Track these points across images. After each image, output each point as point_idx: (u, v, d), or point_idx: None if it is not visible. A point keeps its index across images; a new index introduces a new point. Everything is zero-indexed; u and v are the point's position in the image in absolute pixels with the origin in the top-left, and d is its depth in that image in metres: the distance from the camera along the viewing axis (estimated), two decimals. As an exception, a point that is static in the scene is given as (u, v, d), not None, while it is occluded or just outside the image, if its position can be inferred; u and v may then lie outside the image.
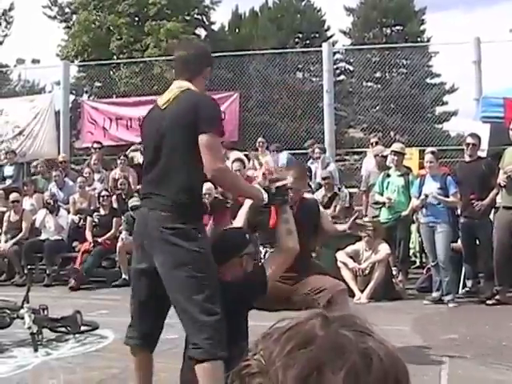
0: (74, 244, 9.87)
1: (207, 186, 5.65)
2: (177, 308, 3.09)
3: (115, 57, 23.19)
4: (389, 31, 27.77)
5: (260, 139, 11.25)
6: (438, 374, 4.40)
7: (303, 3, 28.71)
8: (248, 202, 3.73)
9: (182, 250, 3.01)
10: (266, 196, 3.21)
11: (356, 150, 17.46)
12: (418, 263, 9.59)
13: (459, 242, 7.68)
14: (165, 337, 3.36)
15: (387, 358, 0.74)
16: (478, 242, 7.62)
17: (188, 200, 3.07)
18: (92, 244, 9.47)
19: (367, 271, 7.52)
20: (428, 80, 23.67)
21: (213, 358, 2.94)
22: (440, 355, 4.85)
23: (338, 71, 24.01)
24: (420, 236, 8.23)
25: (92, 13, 24.76)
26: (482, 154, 8.48)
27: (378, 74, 23.17)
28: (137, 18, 25.29)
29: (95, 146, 11.41)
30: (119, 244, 9.13)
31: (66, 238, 9.82)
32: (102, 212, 9.69)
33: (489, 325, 6.07)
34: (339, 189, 9.33)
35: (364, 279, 7.52)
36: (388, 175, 8.27)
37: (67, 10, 26.97)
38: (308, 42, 26.73)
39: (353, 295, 7.11)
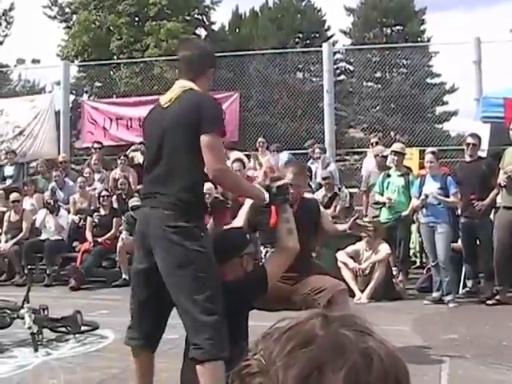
0: (75, 244, 9.87)
1: (207, 186, 5.64)
2: (178, 308, 3.08)
3: (115, 57, 23.20)
4: (389, 31, 27.77)
5: (260, 139, 11.26)
6: (438, 374, 4.40)
7: (303, 3, 28.71)
8: (248, 202, 3.73)
9: (184, 249, 3.00)
10: (267, 196, 3.21)
11: (356, 150, 17.46)
12: (418, 263, 9.59)
13: (459, 242, 7.68)
14: (166, 337, 3.35)
15: (388, 358, 0.74)
16: (478, 242, 7.62)
17: (190, 199, 3.06)
18: (92, 244, 9.47)
19: (367, 271, 7.53)
20: (428, 80, 23.67)
21: (213, 359, 2.94)
22: (440, 355, 4.85)
23: (338, 71, 24.00)
24: (420, 236, 8.23)
25: (92, 13, 24.77)
26: (483, 154, 8.48)
27: (378, 74, 23.17)
28: (137, 18, 25.30)
29: (95, 146, 11.41)
30: (119, 244, 9.13)
31: (66, 238, 9.82)
32: (102, 212, 9.69)
33: (489, 325, 6.06)
34: (339, 189, 9.34)
35: (364, 279, 7.52)
36: (388, 175, 8.27)
37: (67, 9, 26.97)
38: (308, 41, 26.73)
39: (353, 295, 7.11)
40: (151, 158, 3.24)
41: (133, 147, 11.26)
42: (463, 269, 7.71)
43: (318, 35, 27.29)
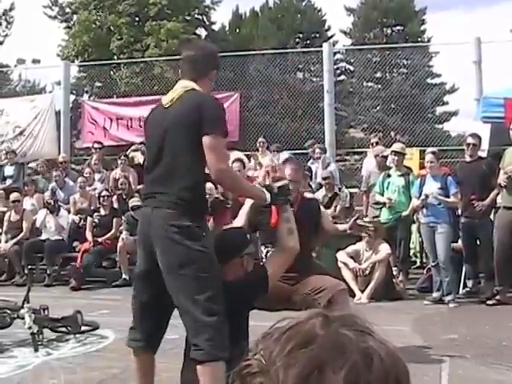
0: (75, 244, 9.86)
1: (207, 186, 5.65)
2: (179, 308, 3.08)
3: (116, 57, 23.20)
4: (389, 31, 27.77)
5: (260, 139, 11.26)
6: (438, 374, 4.40)
7: (304, 3, 28.71)
8: (249, 202, 3.73)
9: (185, 248, 2.99)
10: (268, 196, 3.21)
11: (356, 150, 17.46)
12: (418, 263, 9.59)
13: (460, 242, 7.68)
14: (166, 337, 3.35)
15: (388, 358, 0.74)
16: (478, 242, 7.62)
17: (192, 198, 3.06)
18: (92, 244, 9.47)
19: (368, 271, 7.53)
20: (428, 80, 23.67)
21: (214, 359, 2.93)
22: (440, 355, 4.85)
23: (338, 71, 23.99)
24: (420, 236, 8.23)
25: (92, 13, 24.78)
26: (483, 154, 8.49)
27: (378, 74, 23.16)
28: (137, 18, 25.30)
29: (96, 146, 11.41)
30: (120, 244, 9.13)
31: (66, 238, 9.82)
32: (103, 212, 9.69)
33: (489, 325, 6.07)
34: (340, 189, 9.34)
35: (364, 279, 7.52)
36: (388, 175, 8.27)
37: (68, 9, 26.98)
38: (308, 42, 26.72)
39: (353, 295, 7.11)
40: (152, 157, 3.24)
41: (133, 147, 11.26)
42: (463, 269, 7.71)
43: (318, 35, 27.28)
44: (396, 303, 7.25)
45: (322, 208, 4.84)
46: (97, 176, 10.84)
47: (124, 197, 9.87)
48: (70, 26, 26.01)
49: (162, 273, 3.05)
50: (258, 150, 11.07)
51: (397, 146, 8.54)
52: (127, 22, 24.35)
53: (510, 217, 7.13)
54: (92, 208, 10.07)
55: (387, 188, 8.18)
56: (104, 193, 9.77)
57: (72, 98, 16.00)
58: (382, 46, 22.07)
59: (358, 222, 4.69)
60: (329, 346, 0.73)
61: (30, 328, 5.14)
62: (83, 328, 5.68)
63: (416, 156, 10.37)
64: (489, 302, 7.07)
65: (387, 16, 27.14)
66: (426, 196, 7.20)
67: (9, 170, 11.43)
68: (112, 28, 24.51)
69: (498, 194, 7.44)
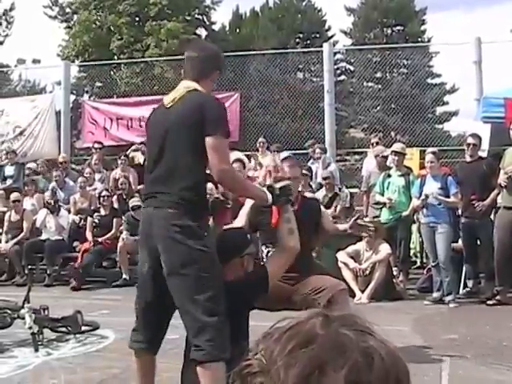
0: (75, 244, 9.87)
1: (208, 186, 5.65)
2: (179, 308, 3.07)
3: (116, 57, 23.21)
4: (389, 31, 27.76)
5: (261, 139, 11.26)
6: (438, 374, 4.40)
7: (304, 3, 28.70)
8: (249, 202, 3.73)
9: (187, 248, 2.99)
10: (270, 197, 3.21)
11: (357, 150, 17.46)
12: (418, 263, 9.60)
13: (460, 242, 7.68)
14: (167, 337, 3.35)
15: (388, 358, 0.74)
16: (478, 243, 7.63)
17: (193, 198, 3.06)
18: (92, 244, 9.48)
19: (368, 271, 7.53)
20: (429, 80, 23.66)
21: (214, 360, 2.93)
22: (440, 355, 4.85)
23: (338, 71, 23.98)
24: (421, 236, 8.23)
25: (93, 13, 24.79)
26: (483, 154, 8.49)
27: (378, 74, 23.15)
28: (137, 18, 25.30)
29: (96, 146, 11.41)
30: (120, 244, 9.14)
31: (66, 238, 9.83)
32: (103, 212, 9.69)
33: (489, 325, 6.07)
34: (340, 189, 9.34)
35: (365, 279, 7.52)
36: (389, 175, 8.27)
37: (68, 10, 26.98)
38: (309, 42, 26.71)
39: (353, 295, 7.11)
40: (153, 157, 3.24)
41: (133, 147, 11.27)
42: (464, 269, 7.71)
43: (318, 35, 27.27)
44: (396, 303, 7.25)
45: (322, 208, 4.84)
46: (97, 176, 10.84)
47: (124, 197, 9.88)
48: (71, 26, 26.02)
49: (163, 273, 3.05)
50: (258, 150, 11.07)
51: (397, 146, 8.54)
52: (127, 22, 24.35)
53: (510, 217, 7.13)
54: (92, 208, 10.07)
55: (387, 188, 8.19)
56: (104, 193, 9.77)
57: (72, 98, 16.00)
58: (382, 46, 22.06)
59: (359, 221, 4.69)
60: (329, 345, 0.73)
61: (30, 328, 5.14)
62: (83, 328, 5.68)
63: (416, 156, 10.37)
64: (489, 302, 7.07)
65: (387, 16, 27.14)
66: (426, 196, 7.20)
67: (9, 170, 11.43)
68: (112, 28, 24.51)
69: (498, 194, 7.44)
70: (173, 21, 23.83)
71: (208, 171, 3.16)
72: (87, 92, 23.33)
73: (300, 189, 4.67)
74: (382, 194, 8.21)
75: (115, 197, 10.00)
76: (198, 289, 2.98)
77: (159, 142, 3.16)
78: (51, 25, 40.61)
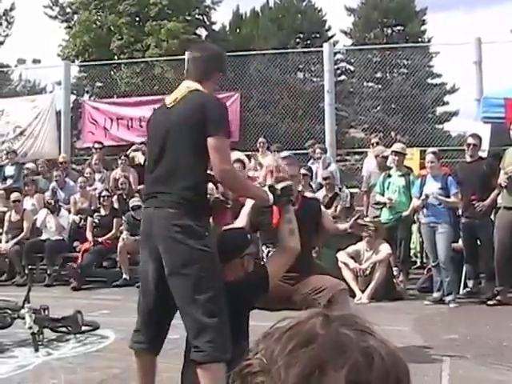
0: (75, 244, 9.87)
1: (208, 186, 5.65)
2: (180, 308, 3.07)
3: (116, 57, 23.20)
4: (390, 31, 27.75)
5: (261, 139, 11.26)
6: (438, 374, 4.40)
7: (304, 3, 28.69)
8: (250, 202, 3.73)
9: (188, 247, 2.99)
10: (271, 197, 3.21)
11: (357, 150, 17.46)
12: (418, 263, 9.60)
13: (460, 242, 7.68)
14: (167, 337, 3.35)
15: (388, 357, 0.74)
16: (478, 243, 7.63)
17: (194, 197, 3.06)
18: (92, 244, 9.48)
19: (368, 271, 7.53)
20: (429, 80, 23.65)
21: (215, 361, 2.92)
22: (441, 355, 4.86)
23: (338, 71, 23.96)
24: (421, 236, 8.24)
25: (93, 13, 24.79)
26: (483, 154, 8.49)
27: (378, 75, 23.14)
28: (138, 18, 25.29)
29: (96, 146, 11.42)
30: (120, 244, 9.14)
31: (66, 238, 9.83)
32: (103, 212, 9.69)
33: (489, 325, 6.07)
34: (340, 189, 9.34)
35: (365, 279, 7.52)
36: (389, 175, 8.27)
37: (68, 10, 26.97)
38: (309, 42, 26.69)
39: (354, 295, 7.11)
40: (154, 157, 3.23)
41: (133, 147, 11.27)
42: (464, 269, 7.71)
43: (318, 35, 27.26)
44: (396, 303, 7.25)
45: (322, 207, 4.84)
46: (97, 176, 10.84)
47: (124, 197, 9.88)
48: (71, 26, 26.02)
49: (164, 272, 3.05)
50: (258, 150, 11.06)
51: (397, 146, 8.54)
52: (127, 22, 24.35)
53: (510, 217, 7.13)
54: (92, 208, 10.07)
55: (388, 188, 8.18)
56: (104, 193, 9.77)
57: (72, 98, 15.99)
58: (382, 46, 22.05)
59: (359, 221, 4.69)
60: (329, 345, 0.73)
61: (30, 328, 5.14)
62: (83, 328, 5.68)
63: (416, 156, 10.38)
64: (489, 303, 7.07)
65: (388, 16, 27.13)
66: (427, 196, 7.20)
67: (9, 170, 11.44)
68: (112, 28, 24.51)
69: (498, 194, 7.44)
70: (173, 21, 23.83)
71: (209, 171, 3.16)
72: (87, 92, 23.32)
73: (300, 189, 4.67)
74: (383, 194, 8.21)
75: (115, 197, 10.00)
76: (198, 289, 2.97)
77: (160, 142, 3.16)
78: (51, 25, 40.64)
